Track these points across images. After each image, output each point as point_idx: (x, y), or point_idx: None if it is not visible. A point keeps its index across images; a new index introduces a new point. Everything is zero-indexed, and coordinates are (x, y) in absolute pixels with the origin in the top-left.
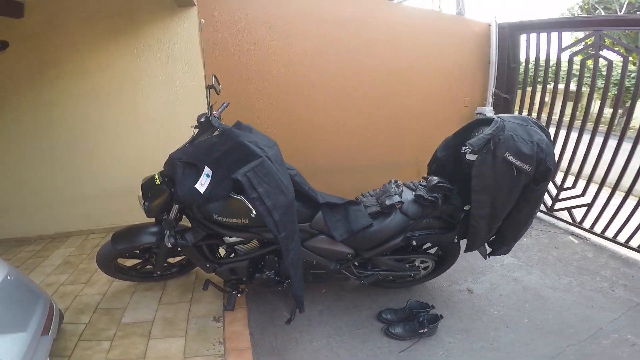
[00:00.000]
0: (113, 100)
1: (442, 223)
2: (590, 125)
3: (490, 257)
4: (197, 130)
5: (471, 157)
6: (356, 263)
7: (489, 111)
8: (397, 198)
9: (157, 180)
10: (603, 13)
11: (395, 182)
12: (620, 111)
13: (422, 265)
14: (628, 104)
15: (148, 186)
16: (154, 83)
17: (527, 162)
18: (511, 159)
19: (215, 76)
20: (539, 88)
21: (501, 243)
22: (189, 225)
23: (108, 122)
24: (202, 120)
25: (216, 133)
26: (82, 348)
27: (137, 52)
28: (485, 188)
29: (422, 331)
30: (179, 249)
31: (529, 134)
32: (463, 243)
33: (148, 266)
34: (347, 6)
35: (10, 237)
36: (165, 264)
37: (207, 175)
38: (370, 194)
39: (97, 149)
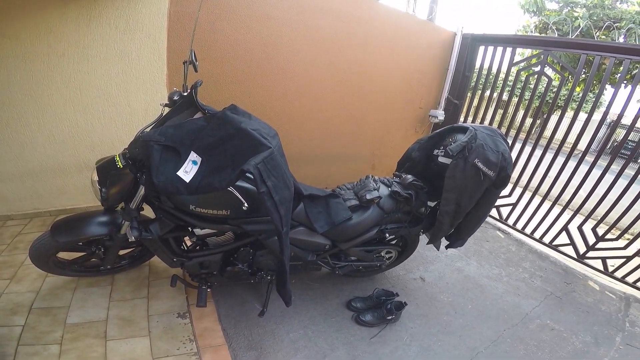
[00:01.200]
0: (51, 67)
1: (411, 217)
2: (534, 137)
3: (447, 249)
4: (166, 109)
5: (444, 160)
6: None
7: (440, 114)
8: (375, 193)
9: (119, 163)
10: (556, 33)
11: (372, 177)
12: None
13: (387, 256)
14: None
15: (106, 169)
16: (105, 53)
17: (492, 168)
18: (479, 165)
19: (194, 52)
20: (485, 96)
21: (458, 237)
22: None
23: (41, 90)
24: (176, 98)
25: (198, 115)
26: (26, 354)
27: (91, 17)
28: (455, 188)
29: (389, 318)
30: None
31: (495, 144)
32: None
33: (93, 259)
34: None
35: None
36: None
37: (194, 163)
38: (347, 187)
39: (22, 121)
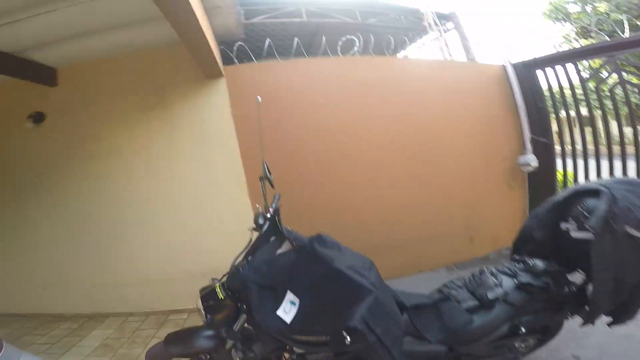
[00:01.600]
0: (149, 183)
1: (553, 304)
2: None
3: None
4: (254, 233)
5: (579, 234)
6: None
7: (531, 160)
8: (499, 291)
9: (220, 294)
10: (605, 36)
11: (489, 270)
12: None
13: (523, 344)
14: None
15: (209, 299)
16: (190, 166)
17: None
18: (633, 232)
19: (266, 165)
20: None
21: (625, 312)
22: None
23: (144, 207)
24: (261, 222)
25: (286, 244)
26: None
27: (170, 130)
28: (609, 266)
29: None
30: None
31: None
32: None
33: None
34: (376, 67)
35: (47, 313)
36: None
37: (293, 303)
38: (457, 284)
39: (132, 235)
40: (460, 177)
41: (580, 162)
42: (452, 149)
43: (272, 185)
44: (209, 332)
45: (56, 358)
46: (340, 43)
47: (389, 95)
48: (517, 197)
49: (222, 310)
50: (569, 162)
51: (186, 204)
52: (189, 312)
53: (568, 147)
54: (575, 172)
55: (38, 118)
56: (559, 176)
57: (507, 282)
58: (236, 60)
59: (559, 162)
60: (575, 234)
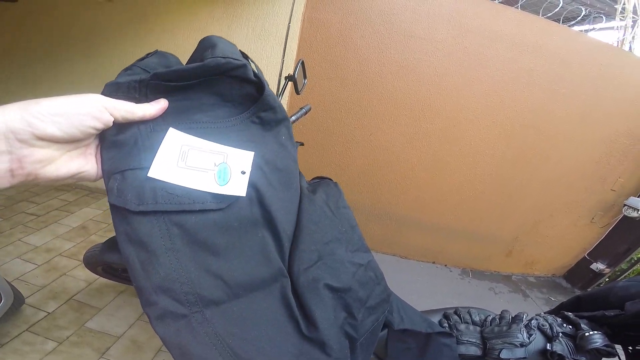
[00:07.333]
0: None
1: None
2: None
3: None
4: None
5: None
6: None
7: None
8: (520, 353)
9: None
10: None
11: (529, 321)
12: None
13: None
14: None
15: None
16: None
17: None
18: None
19: (303, 63)
20: None
21: None
22: None
23: None
24: None
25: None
26: (22, 341)
27: (234, 16)
28: None
29: None
30: None
31: None
32: None
33: None
34: (522, 26)
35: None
36: None
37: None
38: (473, 318)
39: None
40: (544, 186)
41: None
42: (558, 151)
43: (297, 90)
44: None
45: (31, 233)
46: None
47: (520, 62)
48: (590, 234)
49: None
50: None
51: None
52: None
53: None
54: None
55: None
56: None
57: (538, 343)
58: None
59: None
60: None
